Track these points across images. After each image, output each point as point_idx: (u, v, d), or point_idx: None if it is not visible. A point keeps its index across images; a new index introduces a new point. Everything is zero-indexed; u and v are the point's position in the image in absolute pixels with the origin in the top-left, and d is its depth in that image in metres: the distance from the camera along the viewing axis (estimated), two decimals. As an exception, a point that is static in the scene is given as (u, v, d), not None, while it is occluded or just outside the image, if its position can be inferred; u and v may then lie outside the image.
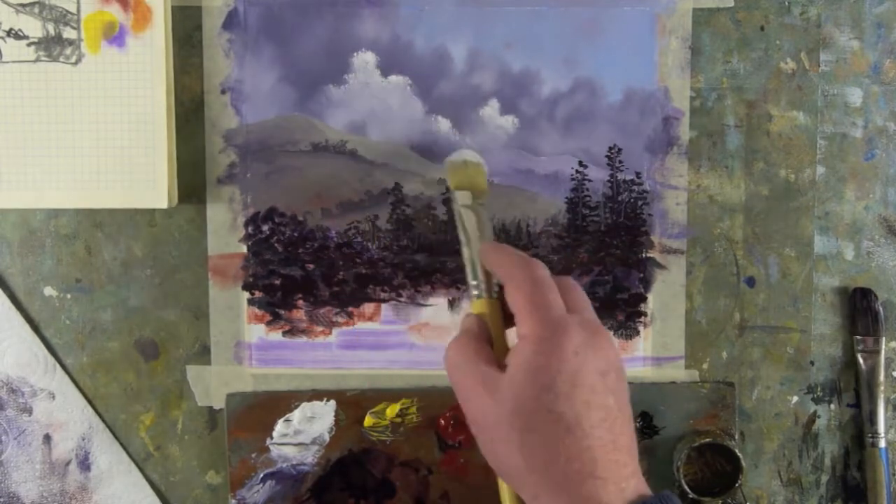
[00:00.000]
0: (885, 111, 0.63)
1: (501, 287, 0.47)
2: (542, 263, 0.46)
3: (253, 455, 0.63)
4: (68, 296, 0.63)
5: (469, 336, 0.46)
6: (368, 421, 0.63)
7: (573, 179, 0.63)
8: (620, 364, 0.44)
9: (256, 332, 0.63)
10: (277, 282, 0.63)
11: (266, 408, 0.63)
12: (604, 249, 0.63)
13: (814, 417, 0.64)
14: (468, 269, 0.50)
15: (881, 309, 0.63)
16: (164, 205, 0.60)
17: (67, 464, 0.64)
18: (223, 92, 0.62)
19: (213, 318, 0.63)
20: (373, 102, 0.62)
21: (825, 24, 0.63)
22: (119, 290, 0.63)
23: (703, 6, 0.62)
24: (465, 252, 0.51)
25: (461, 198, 0.52)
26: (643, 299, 0.64)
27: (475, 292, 0.49)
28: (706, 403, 0.63)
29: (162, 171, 0.60)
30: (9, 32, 0.59)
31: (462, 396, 0.45)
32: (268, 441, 0.63)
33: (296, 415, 0.63)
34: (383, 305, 0.64)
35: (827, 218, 0.64)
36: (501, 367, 0.44)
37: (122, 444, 0.64)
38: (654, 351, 0.64)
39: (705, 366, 0.64)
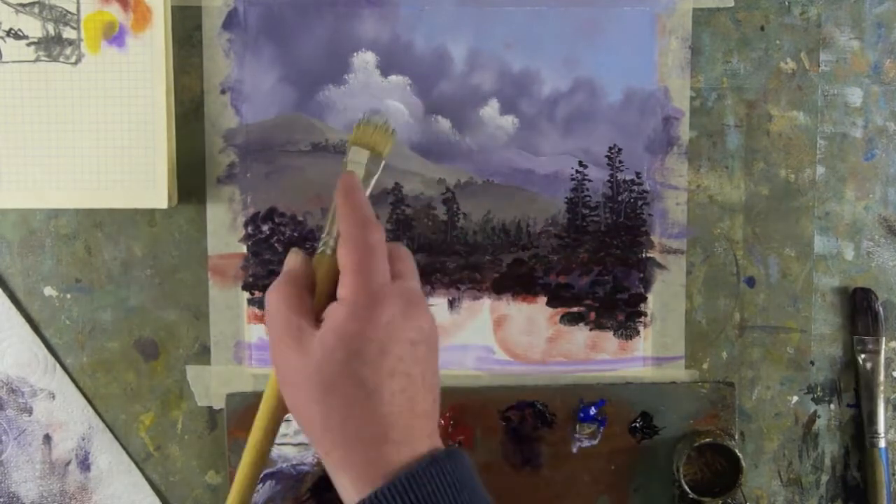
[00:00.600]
0: (885, 111, 0.63)
1: None
2: (381, 227, 0.46)
3: (253, 455, 0.63)
4: (68, 296, 0.63)
5: (291, 282, 0.46)
6: (368, 421, 0.63)
7: (573, 179, 0.63)
8: (434, 335, 0.45)
9: (256, 332, 0.63)
10: (277, 282, 0.63)
11: (266, 408, 0.63)
12: (604, 249, 0.63)
13: (814, 417, 0.64)
14: (327, 223, 0.49)
15: (881, 309, 0.63)
16: (164, 205, 0.60)
17: (67, 464, 0.64)
18: (223, 92, 0.62)
19: (212, 318, 0.63)
20: (373, 102, 0.62)
21: (825, 24, 0.63)
22: (119, 290, 0.63)
23: (703, 6, 0.62)
24: (333, 206, 0.50)
25: (353, 154, 0.51)
26: (643, 299, 0.64)
27: (322, 247, 0.49)
28: (706, 403, 0.63)
29: (162, 171, 0.60)
30: (9, 32, 0.60)
31: (273, 344, 0.45)
32: (268, 441, 0.63)
33: (296, 415, 0.63)
34: (383, 305, 0.63)
35: (827, 218, 0.64)
36: (317, 321, 0.44)
37: (122, 444, 0.64)
38: (654, 351, 0.64)
39: (705, 366, 0.64)
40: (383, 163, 0.52)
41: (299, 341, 0.44)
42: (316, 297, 0.47)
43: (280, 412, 0.48)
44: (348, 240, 0.45)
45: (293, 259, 0.48)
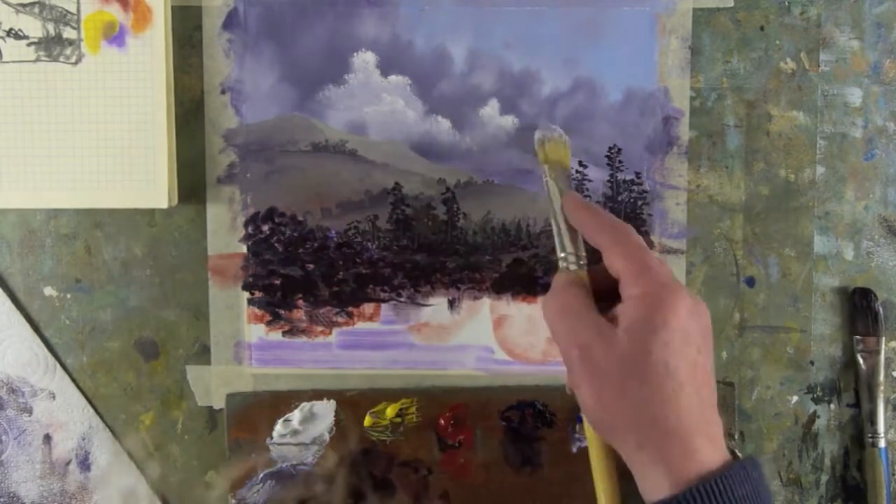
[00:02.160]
0: (885, 111, 0.63)
1: (590, 260, 0.48)
2: (630, 229, 0.47)
3: (253, 455, 0.63)
4: (68, 296, 0.63)
5: (572, 287, 0.47)
6: (368, 421, 0.63)
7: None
8: (711, 331, 0.46)
9: (256, 332, 0.64)
10: (277, 282, 0.63)
11: (266, 408, 0.63)
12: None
13: (814, 417, 0.64)
14: (557, 241, 0.50)
15: (881, 309, 0.63)
16: (164, 205, 0.60)
17: (67, 464, 0.64)
18: (223, 92, 0.62)
19: (213, 318, 0.63)
20: (373, 102, 0.62)
21: (825, 24, 0.63)
22: (119, 290, 0.63)
23: (703, 6, 0.62)
24: (554, 224, 0.51)
25: (551, 172, 0.52)
26: (643, 299, 0.64)
27: (563, 264, 0.49)
28: (706, 403, 0.63)
29: (162, 171, 0.60)
30: (9, 32, 0.60)
31: (571, 344, 0.45)
32: (268, 441, 0.63)
33: (296, 415, 0.63)
34: (383, 305, 0.64)
35: (827, 218, 0.64)
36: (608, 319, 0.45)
37: (122, 444, 0.64)
38: (654, 351, 0.64)
39: (705, 366, 0.64)
40: (569, 169, 0.54)
41: (602, 337, 0.43)
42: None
43: (612, 458, 0.47)
44: (621, 244, 0.45)
45: (563, 276, 0.48)
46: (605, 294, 0.47)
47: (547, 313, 0.46)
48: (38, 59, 0.60)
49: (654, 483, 0.43)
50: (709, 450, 0.42)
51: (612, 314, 0.45)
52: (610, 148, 0.63)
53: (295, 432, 0.63)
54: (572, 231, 0.50)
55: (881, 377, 0.63)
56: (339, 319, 0.64)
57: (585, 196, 0.63)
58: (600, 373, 0.43)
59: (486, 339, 0.64)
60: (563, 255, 0.50)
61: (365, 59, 0.62)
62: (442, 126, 0.63)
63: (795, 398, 0.64)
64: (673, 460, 0.42)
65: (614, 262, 0.45)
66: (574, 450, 0.64)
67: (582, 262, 0.49)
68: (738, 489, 0.41)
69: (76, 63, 0.60)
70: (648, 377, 0.42)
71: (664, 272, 0.45)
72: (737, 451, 0.59)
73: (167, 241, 0.63)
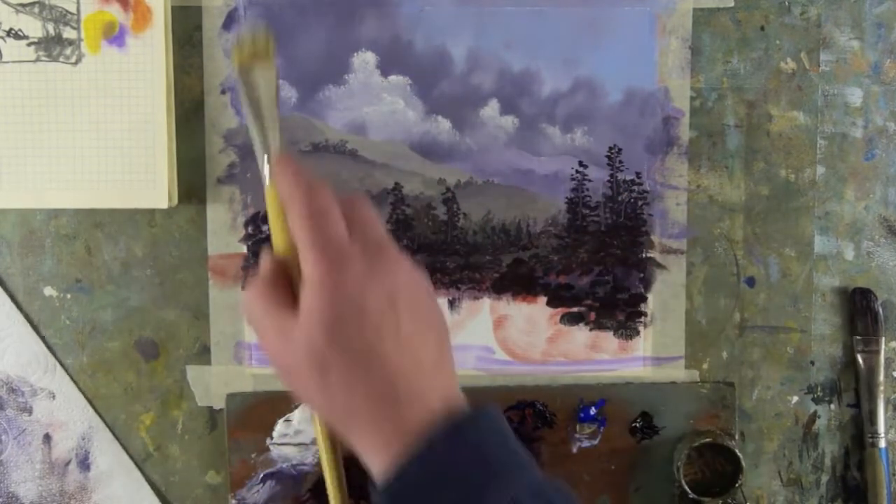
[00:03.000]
0: (885, 111, 0.63)
1: None
2: (326, 186, 0.43)
3: (253, 455, 0.63)
4: (68, 296, 0.63)
5: (265, 281, 0.44)
6: (368, 421, 0.63)
7: (573, 179, 0.63)
8: (413, 281, 0.43)
9: (256, 332, 0.63)
10: (277, 282, 0.63)
11: (266, 408, 0.63)
12: (604, 249, 0.63)
13: (814, 417, 0.64)
14: (266, 146, 0.46)
15: (881, 309, 0.63)
16: (164, 205, 0.60)
17: (67, 464, 0.64)
18: (223, 92, 0.62)
19: (213, 318, 0.63)
20: (373, 102, 0.62)
21: (825, 24, 0.63)
22: (119, 290, 0.63)
23: (703, 6, 0.62)
24: (254, 129, 0.47)
25: (246, 76, 0.47)
26: (643, 299, 0.64)
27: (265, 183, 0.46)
28: (706, 403, 0.63)
29: (162, 171, 0.60)
30: (9, 32, 0.59)
31: (262, 345, 0.44)
32: (268, 441, 0.63)
33: (296, 415, 0.63)
34: (383, 305, 0.63)
35: (827, 218, 0.64)
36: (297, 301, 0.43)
37: (122, 444, 0.64)
38: (654, 351, 0.64)
39: (705, 366, 0.64)
40: (275, 67, 0.48)
41: (285, 334, 0.42)
42: (286, 251, 0.45)
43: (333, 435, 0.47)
44: (293, 209, 0.43)
45: (264, 260, 0.45)
46: None
47: (245, 313, 0.45)
48: (38, 59, 0.60)
49: (369, 463, 0.42)
50: (419, 412, 0.40)
51: (301, 297, 0.42)
52: (610, 148, 0.63)
53: (295, 432, 0.63)
54: (273, 133, 0.46)
55: (881, 377, 0.63)
56: (339, 319, 0.63)
57: (586, 198, 0.63)
58: (290, 373, 0.43)
59: (486, 339, 0.64)
60: (261, 163, 0.46)
61: (365, 59, 0.62)
62: (442, 126, 0.63)
63: (796, 398, 0.64)
64: (378, 437, 0.41)
65: (291, 231, 0.43)
66: (574, 450, 0.64)
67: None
68: (452, 451, 0.40)
69: (76, 63, 0.60)
70: (328, 366, 0.41)
71: (334, 241, 0.42)
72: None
73: (167, 241, 0.63)
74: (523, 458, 0.42)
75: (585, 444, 0.64)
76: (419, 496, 0.40)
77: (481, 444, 0.41)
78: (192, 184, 0.62)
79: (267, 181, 0.46)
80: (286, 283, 0.44)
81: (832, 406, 0.65)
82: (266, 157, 0.46)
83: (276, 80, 0.48)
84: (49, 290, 0.63)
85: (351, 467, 0.46)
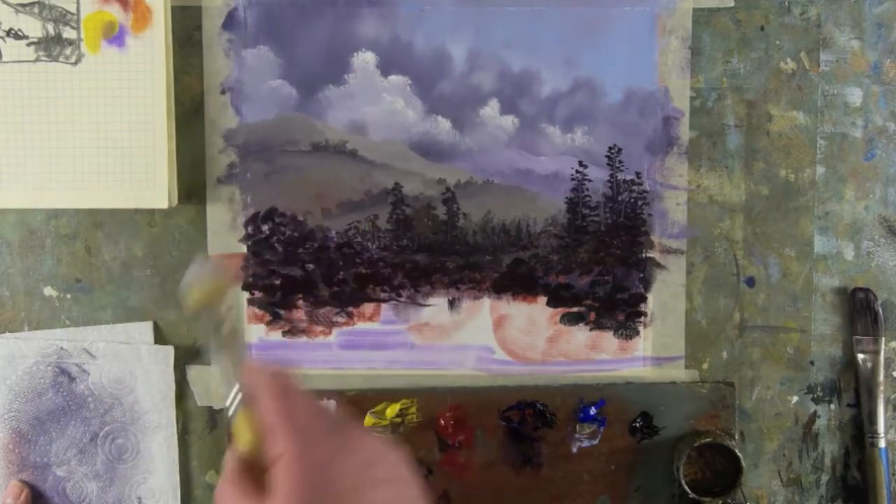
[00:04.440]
0: (885, 111, 0.63)
1: None
2: (286, 372, 0.44)
3: (253, 455, 0.63)
4: (68, 296, 0.63)
5: (232, 473, 0.44)
6: (368, 421, 0.63)
7: (573, 179, 0.63)
8: (386, 449, 0.44)
9: (256, 332, 0.63)
10: (277, 282, 0.63)
11: (266, 408, 0.63)
12: (604, 249, 0.63)
13: (814, 417, 0.64)
14: (228, 378, 0.47)
15: (881, 309, 0.63)
16: (164, 205, 0.60)
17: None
18: (223, 92, 0.62)
19: (213, 318, 0.63)
20: (373, 102, 0.62)
21: (825, 24, 0.63)
22: (119, 290, 0.63)
23: (703, 6, 0.62)
24: (222, 364, 0.47)
25: (211, 314, 0.47)
26: (643, 299, 0.64)
27: (237, 402, 0.46)
28: (706, 403, 0.63)
29: (162, 171, 0.60)
30: (9, 32, 0.59)
31: None
32: (268, 441, 0.63)
33: (296, 415, 0.63)
34: (383, 305, 0.64)
35: (827, 218, 0.64)
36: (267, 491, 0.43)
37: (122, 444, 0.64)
38: (654, 351, 0.64)
39: (705, 366, 0.64)
40: (225, 301, 0.48)
41: None
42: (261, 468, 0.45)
43: None
44: (261, 397, 0.44)
45: (228, 457, 0.46)
46: None
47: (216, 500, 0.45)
48: (38, 59, 0.60)
49: None
50: None
51: (272, 483, 0.43)
52: (610, 148, 0.63)
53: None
54: (234, 364, 0.47)
55: (881, 377, 0.63)
56: (340, 319, 0.64)
57: (586, 198, 0.63)
58: None
59: (486, 339, 0.64)
60: (231, 395, 0.46)
61: (365, 59, 0.62)
62: (442, 126, 0.63)
63: (795, 398, 0.64)
64: None
65: (263, 416, 0.44)
66: (574, 450, 0.64)
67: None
68: None
69: (76, 63, 0.60)
70: None
71: (299, 420, 0.43)
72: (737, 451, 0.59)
73: (167, 241, 0.63)
74: None
75: (585, 444, 0.64)
76: None
77: None
78: (192, 184, 0.62)
79: (233, 409, 0.46)
80: (251, 476, 0.44)
81: (832, 406, 0.65)
82: (232, 391, 0.46)
83: (231, 309, 0.48)
84: (49, 290, 0.63)
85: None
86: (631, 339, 0.64)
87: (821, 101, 0.63)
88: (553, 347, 0.64)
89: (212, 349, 0.47)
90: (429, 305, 0.64)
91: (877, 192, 0.64)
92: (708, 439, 0.61)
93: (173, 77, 0.61)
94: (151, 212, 0.63)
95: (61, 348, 0.63)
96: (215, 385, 0.64)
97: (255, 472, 0.44)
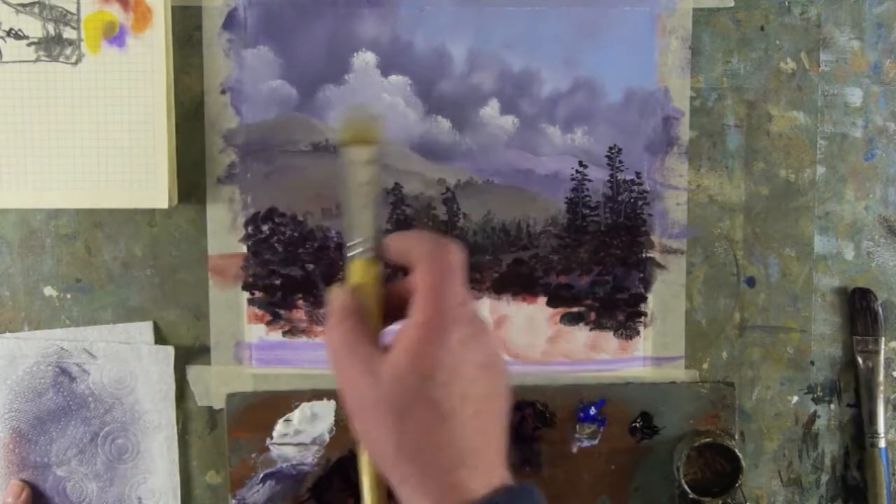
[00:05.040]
0: (885, 111, 0.63)
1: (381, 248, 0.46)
2: (460, 249, 0.44)
3: (253, 455, 0.63)
4: (68, 296, 0.63)
5: (346, 317, 0.45)
6: (368, 421, 0.63)
7: (573, 179, 0.63)
8: (501, 363, 0.44)
9: (256, 332, 0.63)
10: (277, 282, 0.63)
11: (266, 408, 0.63)
12: (604, 249, 0.63)
13: (814, 417, 0.64)
14: (346, 228, 0.47)
15: (881, 309, 0.63)
16: (164, 205, 0.60)
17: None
18: (223, 92, 0.62)
19: (213, 318, 0.63)
20: (373, 102, 0.62)
21: (825, 24, 0.63)
22: (119, 290, 0.63)
23: (703, 6, 0.62)
24: (350, 207, 0.48)
25: (354, 154, 0.48)
26: (643, 299, 0.64)
27: (351, 252, 0.47)
28: (706, 403, 0.63)
29: (162, 171, 0.60)
30: (9, 32, 0.59)
31: (343, 379, 0.44)
32: (268, 441, 0.63)
33: (296, 415, 0.63)
34: (383, 305, 0.63)
35: (827, 218, 0.64)
36: (379, 345, 0.43)
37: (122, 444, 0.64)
38: (654, 351, 0.64)
39: (705, 366, 0.64)
40: (378, 150, 0.49)
41: (369, 367, 0.42)
42: (372, 313, 0.45)
43: (383, 485, 0.46)
44: (427, 260, 0.44)
45: (340, 295, 0.46)
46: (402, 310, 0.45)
47: (326, 343, 0.45)
48: (38, 59, 0.60)
49: None
50: (475, 481, 0.41)
51: (393, 339, 0.43)
52: (610, 148, 0.63)
53: (295, 432, 0.63)
54: (367, 212, 0.47)
55: (881, 377, 0.63)
56: (339, 319, 0.63)
57: (586, 198, 0.63)
58: (365, 407, 0.43)
59: (486, 339, 0.64)
60: (354, 242, 0.47)
61: (365, 59, 0.62)
62: (442, 126, 0.63)
63: (795, 398, 0.64)
64: (432, 494, 0.41)
65: (415, 277, 0.44)
66: (574, 450, 0.64)
67: (374, 244, 0.46)
68: None
69: (76, 63, 0.60)
70: (408, 411, 0.41)
71: (449, 297, 0.43)
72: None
73: (167, 241, 0.63)
74: None
75: (585, 444, 0.64)
76: None
77: None
78: (192, 184, 0.62)
79: (354, 253, 0.46)
80: (367, 321, 0.45)
81: (832, 406, 0.65)
82: (355, 239, 0.47)
83: (378, 165, 0.48)
84: (49, 290, 0.63)
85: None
86: (631, 339, 0.64)
87: (821, 101, 0.63)
88: (553, 347, 0.64)
89: (345, 192, 0.47)
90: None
91: (877, 192, 0.64)
92: (708, 439, 0.61)
93: (173, 77, 0.61)
94: (151, 212, 0.63)
95: (61, 348, 0.63)
96: (215, 385, 0.64)
97: (364, 317, 0.45)
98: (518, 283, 0.63)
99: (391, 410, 0.41)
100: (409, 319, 0.43)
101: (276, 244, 0.63)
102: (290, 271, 0.63)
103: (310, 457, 0.63)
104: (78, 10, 0.59)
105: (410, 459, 0.41)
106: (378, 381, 0.42)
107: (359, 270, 0.46)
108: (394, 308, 0.45)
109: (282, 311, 0.63)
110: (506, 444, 0.44)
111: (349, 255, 0.46)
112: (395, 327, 0.44)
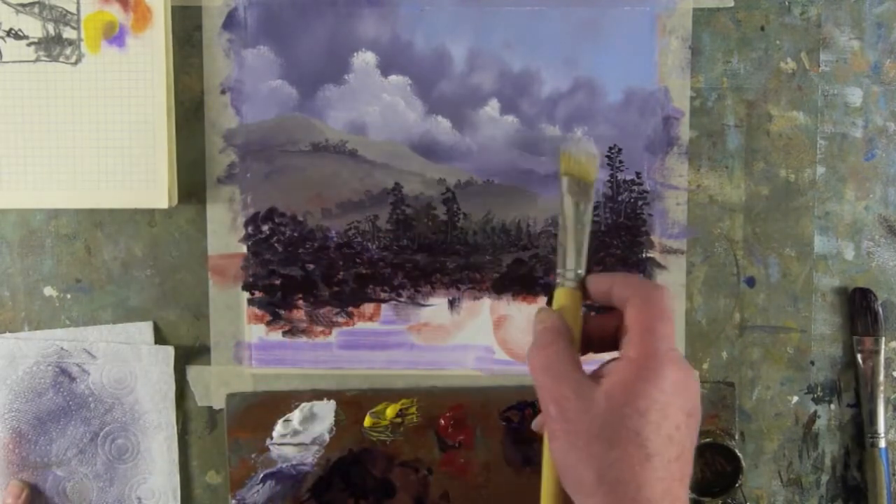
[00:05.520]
0: (885, 111, 0.63)
1: (584, 279, 0.48)
2: (672, 294, 0.46)
3: (253, 455, 0.63)
4: (68, 296, 0.63)
5: (557, 338, 0.46)
6: (368, 421, 0.63)
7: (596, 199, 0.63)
8: (699, 411, 0.45)
9: (256, 332, 0.63)
10: (277, 282, 0.63)
11: (266, 408, 0.63)
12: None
13: (814, 417, 0.64)
14: (559, 256, 0.49)
15: (881, 309, 0.63)
16: (164, 205, 0.60)
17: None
18: (223, 92, 0.62)
19: (213, 318, 0.63)
20: (373, 102, 0.62)
21: (825, 24, 0.63)
22: (119, 290, 0.63)
23: (704, 6, 0.62)
24: (561, 238, 0.50)
25: (569, 185, 0.50)
26: (643, 299, 0.64)
27: (559, 280, 0.49)
28: (706, 403, 0.63)
29: (162, 171, 0.60)
30: (9, 32, 0.60)
31: (550, 399, 0.45)
32: (268, 441, 0.63)
33: (296, 415, 0.63)
34: (383, 305, 0.64)
35: (827, 218, 0.64)
36: (586, 374, 0.45)
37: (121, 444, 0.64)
38: (654, 351, 0.64)
39: (706, 366, 0.64)
40: (593, 187, 0.51)
41: (580, 394, 0.43)
42: (575, 340, 0.47)
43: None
44: (643, 300, 0.45)
45: (549, 316, 0.48)
46: (601, 342, 0.47)
47: (531, 365, 0.46)
48: (37, 59, 0.60)
49: None
50: None
51: (601, 370, 0.45)
52: (610, 148, 0.63)
53: (295, 432, 0.63)
54: (578, 245, 0.49)
55: (881, 377, 0.63)
56: (339, 319, 0.64)
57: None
58: (572, 430, 0.43)
59: (486, 339, 0.64)
60: (560, 270, 0.49)
61: (365, 59, 0.62)
62: (442, 126, 0.63)
63: (796, 398, 0.64)
64: None
65: (630, 317, 0.45)
66: (574, 450, 0.64)
67: (580, 277, 0.48)
68: None
69: (76, 63, 0.60)
70: (617, 443, 0.42)
71: (665, 339, 0.44)
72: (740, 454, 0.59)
73: (167, 241, 0.63)
74: None
75: (585, 444, 0.63)
76: None
77: None
78: (192, 184, 0.62)
79: (561, 285, 0.49)
80: (573, 342, 0.46)
81: (832, 406, 0.65)
82: (566, 268, 0.49)
83: (593, 202, 0.50)
84: (49, 290, 0.63)
85: None
86: (631, 339, 0.64)
87: (821, 101, 0.63)
88: (553, 347, 0.64)
89: (562, 222, 0.49)
90: (429, 305, 0.64)
91: (877, 192, 0.64)
92: (708, 439, 0.61)
93: (173, 77, 0.61)
94: (151, 212, 0.63)
95: (61, 348, 0.63)
96: (215, 385, 0.64)
97: (572, 344, 0.46)
98: (518, 283, 0.63)
99: (599, 438, 0.42)
100: (622, 356, 0.44)
101: (275, 244, 0.63)
102: (289, 271, 0.63)
103: (310, 457, 0.63)
104: (78, 10, 0.59)
105: (610, 490, 0.42)
106: (591, 406, 0.43)
107: (564, 298, 0.48)
108: (587, 341, 0.47)
109: (282, 311, 0.63)
110: (687, 491, 0.45)
111: (558, 282, 0.48)
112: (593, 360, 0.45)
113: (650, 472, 0.42)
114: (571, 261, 0.49)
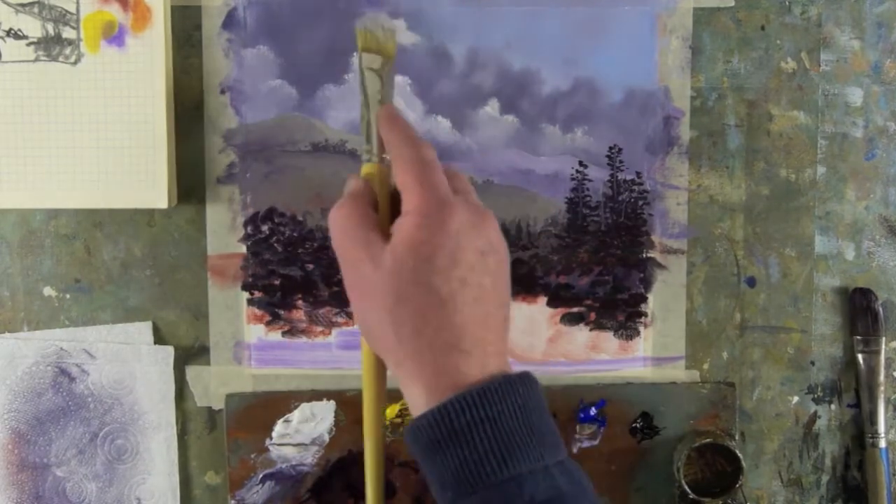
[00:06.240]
0: (885, 111, 0.63)
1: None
2: (431, 145, 0.46)
3: (252, 455, 0.63)
4: (68, 296, 0.63)
5: (355, 199, 0.47)
6: (368, 421, 0.63)
7: (573, 179, 0.63)
8: (503, 248, 0.45)
9: (256, 333, 0.63)
10: (277, 282, 0.63)
11: (265, 408, 0.63)
12: (604, 249, 0.63)
13: (814, 418, 0.64)
14: (363, 132, 0.50)
15: (881, 309, 0.63)
16: (164, 205, 0.60)
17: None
18: (223, 92, 0.62)
19: (212, 318, 0.63)
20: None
21: (826, 24, 0.63)
22: (119, 290, 0.63)
23: (704, 6, 0.62)
24: (364, 114, 0.51)
25: (368, 61, 0.51)
26: (643, 299, 0.64)
27: (366, 156, 0.50)
28: (707, 404, 0.63)
29: (162, 171, 0.60)
30: (8, 32, 0.59)
31: (344, 262, 0.46)
32: (267, 441, 0.63)
33: (295, 415, 0.63)
34: (383, 305, 0.63)
35: (827, 218, 0.64)
36: (385, 235, 0.45)
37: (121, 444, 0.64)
38: (654, 351, 0.64)
39: (706, 366, 0.64)
40: (394, 62, 0.52)
41: (370, 254, 0.44)
42: (379, 210, 0.47)
43: (381, 368, 0.48)
44: (403, 157, 0.45)
45: (353, 181, 0.48)
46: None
47: (331, 226, 0.47)
48: (37, 59, 0.60)
49: (413, 401, 0.44)
50: (470, 366, 0.42)
51: (391, 230, 0.45)
52: (610, 148, 0.63)
53: (295, 433, 0.63)
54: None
55: (881, 377, 0.63)
56: (339, 319, 0.64)
57: (586, 198, 0.63)
58: (366, 290, 0.44)
59: (486, 340, 0.64)
60: (366, 147, 0.50)
61: (365, 59, 0.62)
62: (442, 126, 0.63)
63: (796, 398, 0.64)
64: (428, 377, 0.42)
65: (398, 176, 0.45)
66: (574, 450, 0.64)
67: (384, 158, 0.49)
68: (498, 403, 0.41)
69: (76, 63, 0.60)
70: (408, 296, 0.42)
71: (437, 187, 0.44)
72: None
73: (167, 241, 0.63)
74: (555, 431, 0.44)
75: (585, 444, 0.64)
76: (455, 434, 0.41)
77: (525, 406, 0.42)
78: (192, 184, 0.62)
79: (368, 161, 0.49)
80: (374, 206, 0.47)
81: (832, 406, 0.64)
82: (368, 144, 0.50)
83: (392, 76, 0.51)
84: (49, 290, 0.63)
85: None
86: (631, 339, 0.64)
87: (821, 100, 0.63)
88: (553, 348, 0.64)
89: (361, 100, 0.51)
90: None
91: (877, 192, 0.64)
92: (708, 440, 0.61)
93: (173, 77, 0.61)
94: (151, 212, 0.63)
95: (61, 348, 0.63)
96: (214, 385, 0.64)
97: (374, 206, 0.47)
98: (518, 283, 0.63)
99: (390, 295, 0.43)
100: (403, 213, 0.44)
101: (275, 244, 0.63)
102: (289, 271, 0.63)
103: (309, 457, 0.63)
104: (77, 9, 0.59)
105: (407, 342, 0.43)
106: (379, 266, 0.43)
107: (370, 170, 0.48)
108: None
109: (281, 312, 0.63)
110: (506, 334, 0.45)
111: (365, 158, 0.49)
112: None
113: (444, 318, 0.42)
114: (375, 136, 0.49)
